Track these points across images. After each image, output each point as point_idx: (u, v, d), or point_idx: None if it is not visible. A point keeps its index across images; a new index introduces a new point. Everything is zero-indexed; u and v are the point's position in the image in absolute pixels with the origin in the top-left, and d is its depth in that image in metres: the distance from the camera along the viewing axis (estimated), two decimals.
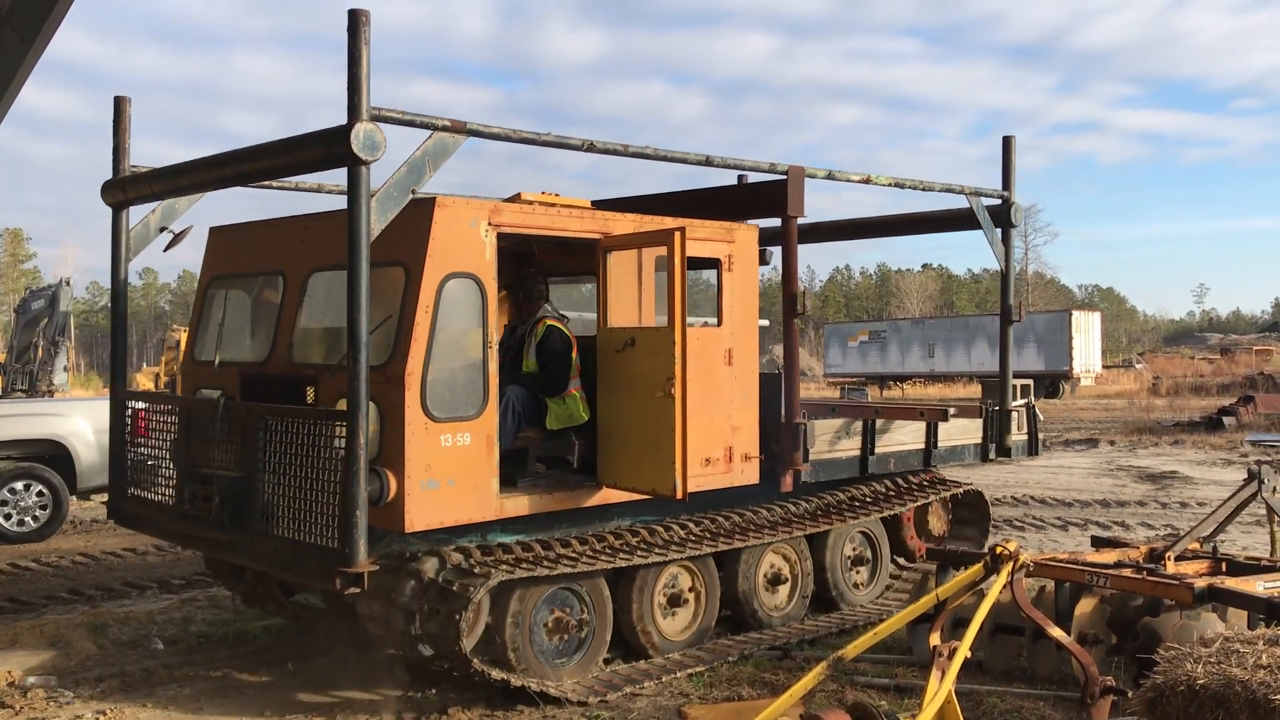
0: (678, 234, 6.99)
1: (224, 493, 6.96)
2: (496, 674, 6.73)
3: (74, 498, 13.38)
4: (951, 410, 9.53)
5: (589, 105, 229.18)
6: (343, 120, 5.99)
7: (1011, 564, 5.87)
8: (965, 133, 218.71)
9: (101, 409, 11.93)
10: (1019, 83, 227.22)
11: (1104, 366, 52.79)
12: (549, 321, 7.99)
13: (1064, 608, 7.23)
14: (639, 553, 7.55)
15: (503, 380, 7.25)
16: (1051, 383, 33.96)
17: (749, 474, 8.30)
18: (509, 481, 7.22)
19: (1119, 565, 7.37)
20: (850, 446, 9.25)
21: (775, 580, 8.82)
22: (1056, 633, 6.09)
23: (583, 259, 8.75)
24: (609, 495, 7.63)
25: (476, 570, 6.71)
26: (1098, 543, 8.74)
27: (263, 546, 6.78)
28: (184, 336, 45.41)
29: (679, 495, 7.10)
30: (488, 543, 7.18)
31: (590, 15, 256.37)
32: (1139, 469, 20.19)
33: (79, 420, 13.07)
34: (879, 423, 9.42)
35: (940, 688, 5.23)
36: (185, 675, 7.73)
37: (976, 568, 5.98)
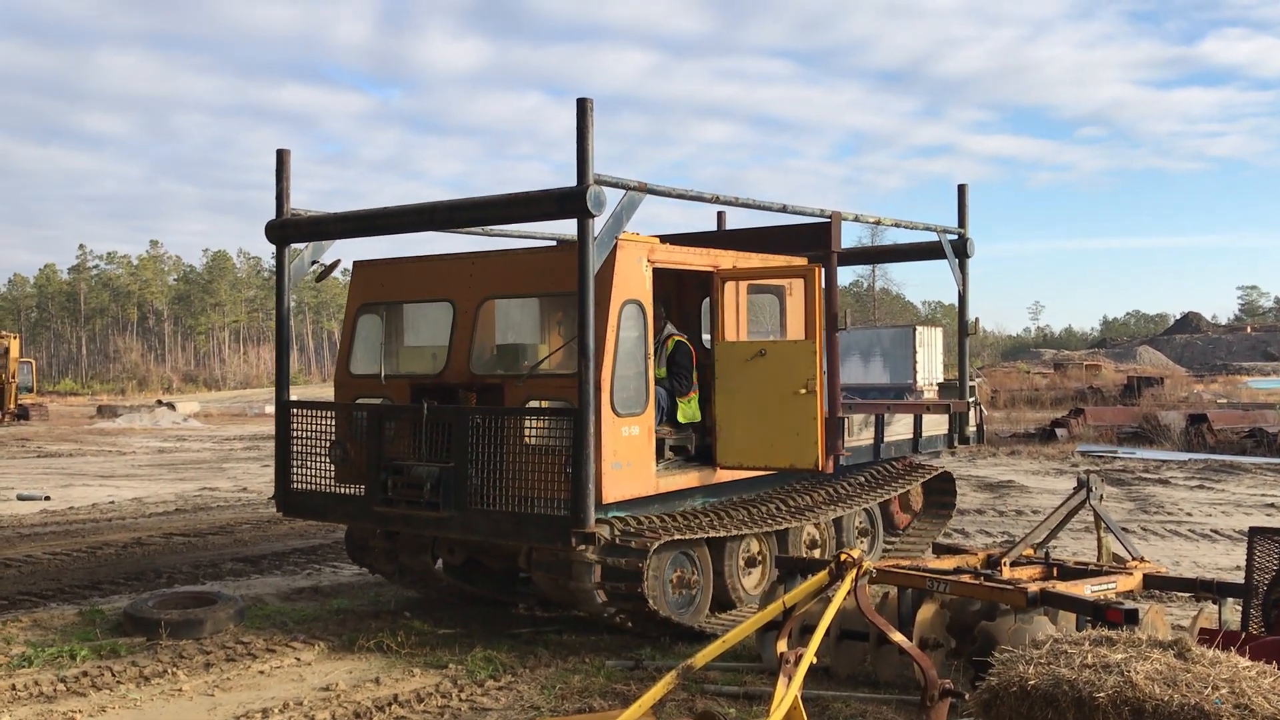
0: (814, 271, 8.99)
1: (435, 480, 8.51)
2: (663, 613, 8.51)
3: None
4: (950, 404, 11.82)
5: (463, 114, 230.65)
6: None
7: (855, 571, 6.00)
8: (830, 152, 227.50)
9: None
10: (882, 106, 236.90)
11: (946, 380, 55.66)
12: (677, 338, 9.81)
13: (906, 613, 7.45)
14: (741, 524, 9.43)
15: None
16: (897, 394, 35.40)
17: None
18: None
19: (958, 571, 7.64)
20: (868, 436, 11.43)
21: (812, 546, 10.87)
22: (898, 638, 6.17)
23: None
24: (721, 475, 9.52)
25: (646, 532, 8.49)
26: (938, 549, 9.29)
27: (479, 520, 8.39)
28: (13, 343, 44.05)
29: (821, 467, 8.99)
30: (631, 514, 8.91)
31: (473, 25, 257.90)
32: (978, 478, 20.63)
33: None
34: (886, 416, 11.64)
35: (787, 694, 5.35)
36: (4, 702, 7.26)
37: (822, 575, 6.12)
